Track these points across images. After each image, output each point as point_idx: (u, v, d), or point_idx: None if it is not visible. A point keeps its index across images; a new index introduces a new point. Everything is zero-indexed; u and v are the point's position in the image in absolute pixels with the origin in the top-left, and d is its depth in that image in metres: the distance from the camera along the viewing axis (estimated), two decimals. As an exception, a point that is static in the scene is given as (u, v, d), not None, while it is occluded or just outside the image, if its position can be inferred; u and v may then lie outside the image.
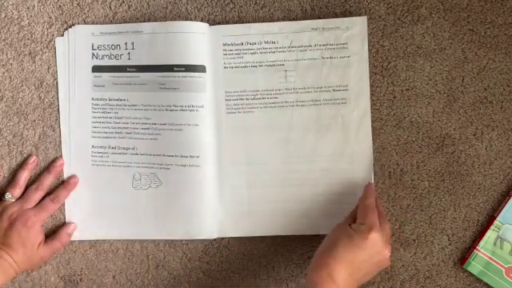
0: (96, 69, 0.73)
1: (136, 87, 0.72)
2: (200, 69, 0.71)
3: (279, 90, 0.72)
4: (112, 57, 0.73)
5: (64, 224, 0.73)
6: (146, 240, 0.74)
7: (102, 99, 0.73)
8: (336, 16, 0.73)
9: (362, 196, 0.69)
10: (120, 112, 0.73)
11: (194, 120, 0.71)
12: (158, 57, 0.72)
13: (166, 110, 0.72)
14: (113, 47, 0.73)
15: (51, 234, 0.73)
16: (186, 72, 0.71)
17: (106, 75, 0.73)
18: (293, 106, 0.72)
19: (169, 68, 0.71)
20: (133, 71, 0.72)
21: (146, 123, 0.72)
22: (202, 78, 0.72)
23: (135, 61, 0.72)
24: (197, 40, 0.71)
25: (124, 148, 0.73)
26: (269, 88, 0.72)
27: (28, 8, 0.73)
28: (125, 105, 0.73)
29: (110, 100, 0.73)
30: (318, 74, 0.72)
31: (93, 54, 0.73)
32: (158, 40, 0.72)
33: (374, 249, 0.63)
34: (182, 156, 0.72)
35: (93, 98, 0.73)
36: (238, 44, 0.72)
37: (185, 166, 0.72)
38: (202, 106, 0.71)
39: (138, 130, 0.73)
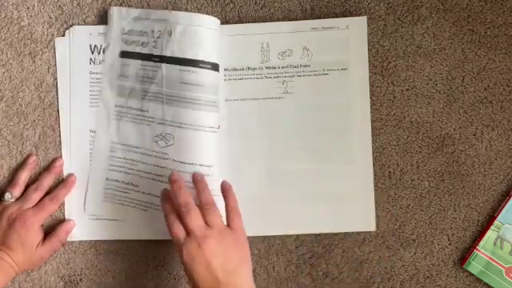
0: (124, 55, 0.72)
1: (156, 79, 0.71)
2: (216, 67, 0.71)
3: (279, 90, 0.72)
4: (140, 44, 0.72)
5: (62, 221, 0.73)
6: (146, 240, 0.74)
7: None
8: (336, 16, 0.73)
9: (224, 198, 0.67)
10: (141, 102, 0.72)
11: (213, 123, 0.71)
12: (181, 50, 0.71)
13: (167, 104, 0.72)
14: (141, 33, 0.72)
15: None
16: (207, 70, 0.71)
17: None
18: (292, 106, 0.72)
19: (191, 62, 0.71)
20: (156, 61, 0.71)
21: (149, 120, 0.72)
22: (217, 79, 0.71)
23: (159, 51, 0.72)
24: (213, 37, 0.71)
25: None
26: (269, 88, 0.72)
27: (28, 8, 0.73)
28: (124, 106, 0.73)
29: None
30: (318, 74, 0.72)
31: (122, 38, 0.72)
32: (181, 31, 0.71)
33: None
34: (187, 163, 0.71)
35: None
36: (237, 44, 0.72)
37: (185, 166, 0.72)
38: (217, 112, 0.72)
39: (154, 123, 0.72)
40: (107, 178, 0.73)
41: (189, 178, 0.69)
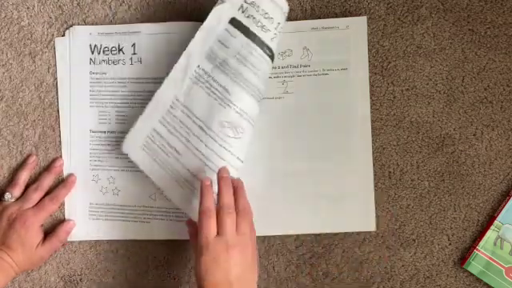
0: (236, 24, 0.67)
1: (255, 68, 0.68)
2: None
3: (279, 90, 0.72)
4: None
5: (62, 221, 0.73)
6: (146, 240, 0.74)
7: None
8: (336, 16, 0.73)
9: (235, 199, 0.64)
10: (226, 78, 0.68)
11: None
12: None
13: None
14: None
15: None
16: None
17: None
18: (292, 106, 0.72)
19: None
20: (264, 53, 0.67)
21: None
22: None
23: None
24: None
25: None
26: (269, 88, 0.72)
27: (28, 8, 0.73)
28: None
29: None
30: (318, 74, 0.72)
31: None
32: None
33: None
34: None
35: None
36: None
37: (236, 161, 0.70)
38: None
39: (229, 106, 0.68)
40: (154, 129, 0.68)
41: (233, 175, 0.67)
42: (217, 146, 0.66)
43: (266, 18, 0.66)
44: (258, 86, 0.67)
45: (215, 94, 0.67)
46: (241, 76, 0.66)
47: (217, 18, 0.67)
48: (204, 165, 0.67)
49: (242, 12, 0.66)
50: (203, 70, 0.67)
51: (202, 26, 0.67)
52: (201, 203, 0.63)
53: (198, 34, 0.67)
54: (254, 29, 0.66)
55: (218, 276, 0.59)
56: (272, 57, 0.67)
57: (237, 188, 0.65)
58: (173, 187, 0.69)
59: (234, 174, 0.67)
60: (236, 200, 0.63)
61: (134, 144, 0.69)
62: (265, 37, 0.66)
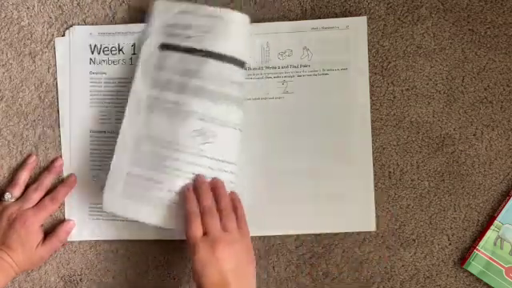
0: (164, 47, 0.71)
1: (199, 74, 0.69)
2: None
3: (279, 90, 0.72)
4: (183, 37, 0.72)
5: (62, 221, 0.73)
6: (146, 240, 0.74)
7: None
8: (336, 16, 0.73)
9: (233, 208, 0.67)
10: (178, 96, 0.70)
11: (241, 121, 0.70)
12: (225, 47, 0.70)
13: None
14: (185, 27, 0.72)
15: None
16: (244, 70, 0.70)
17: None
18: (292, 106, 0.72)
19: (235, 61, 0.70)
20: (200, 55, 0.69)
21: None
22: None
23: (203, 45, 0.71)
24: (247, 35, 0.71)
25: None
26: (269, 88, 0.72)
27: (28, 8, 0.73)
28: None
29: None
30: (318, 74, 0.72)
31: (164, 31, 0.71)
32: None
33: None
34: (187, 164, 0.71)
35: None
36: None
37: (219, 163, 0.70)
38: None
39: (191, 118, 0.70)
40: (128, 173, 0.69)
41: (220, 176, 0.68)
42: (192, 156, 0.68)
43: (187, 29, 0.69)
44: (215, 89, 0.68)
45: (172, 112, 0.68)
46: (187, 87, 0.68)
47: (148, 52, 0.71)
48: (187, 179, 0.68)
49: (167, 36, 0.70)
50: (153, 97, 0.69)
51: (137, 64, 0.71)
52: (185, 209, 0.65)
53: (137, 72, 0.70)
54: (182, 43, 0.69)
55: (211, 272, 0.62)
56: (214, 55, 0.68)
57: (215, 189, 0.67)
58: (165, 216, 0.68)
59: (223, 175, 0.68)
60: (217, 201, 0.66)
61: (113, 198, 0.69)
62: (196, 45, 0.69)
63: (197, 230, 0.64)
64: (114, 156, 0.69)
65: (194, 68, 0.68)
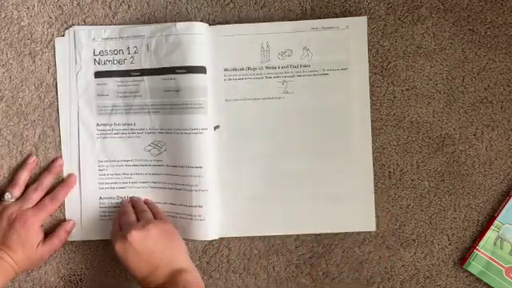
0: (98, 75, 0.73)
1: (140, 92, 0.72)
2: (201, 70, 0.71)
3: (279, 90, 0.72)
4: (115, 62, 0.73)
5: (62, 221, 0.73)
6: (146, 240, 0.74)
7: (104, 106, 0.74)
8: (336, 16, 0.73)
9: (150, 210, 0.71)
10: (126, 116, 0.73)
11: (198, 125, 0.71)
12: (160, 60, 0.71)
13: (170, 111, 0.72)
14: (115, 52, 0.72)
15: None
16: (187, 74, 0.71)
17: (110, 81, 0.73)
18: (293, 106, 0.72)
19: (170, 70, 0.71)
20: (137, 75, 0.72)
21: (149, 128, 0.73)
22: (203, 81, 0.71)
23: (138, 65, 0.72)
24: (196, 41, 0.71)
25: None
26: (269, 88, 0.72)
27: (28, 8, 0.73)
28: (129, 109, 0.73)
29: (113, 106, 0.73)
30: (318, 74, 0.72)
31: (94, 59, 0.73)
32: (158, 43, 0.71)
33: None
34: (187, 166, 0.71)
35: (97, 106, 0.74)
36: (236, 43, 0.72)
37: (178, 169, 0.72)
38: (206, 114, 0.71)
39: (143, 134, 0.73)
40: (100, 197, 0.73)
41: (182, 181, 0.71)
42: (151, 168, 0.73)
43: (117, 54, 0.72)
44: (151, 102, 0.72)
45: (124, 133, 0.73)
46: (133, 106, 0.72)
47: (85, 82, 0.73)
48: (157, 189, 0.73)
49: (98, 64, 0.73)
50: (102, 124, 0.73)
51: (78, 98, 0.73)
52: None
53: (80, 102, 0.73)
54: (114, 67, 0.72)
55: (131, 258, 0.65)
56: (146, 71, 0.72)
57: (147, 204, 0.72)
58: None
59: (186, 180, 0.71)
60: (134, 207, 0.71)
61: (92, 223, 0.73)
62: (124, 67, 0.72)
63: (115, 232, 0.68)
64: (82, 185, 0.73)
65: (134, 88, 0.72)
